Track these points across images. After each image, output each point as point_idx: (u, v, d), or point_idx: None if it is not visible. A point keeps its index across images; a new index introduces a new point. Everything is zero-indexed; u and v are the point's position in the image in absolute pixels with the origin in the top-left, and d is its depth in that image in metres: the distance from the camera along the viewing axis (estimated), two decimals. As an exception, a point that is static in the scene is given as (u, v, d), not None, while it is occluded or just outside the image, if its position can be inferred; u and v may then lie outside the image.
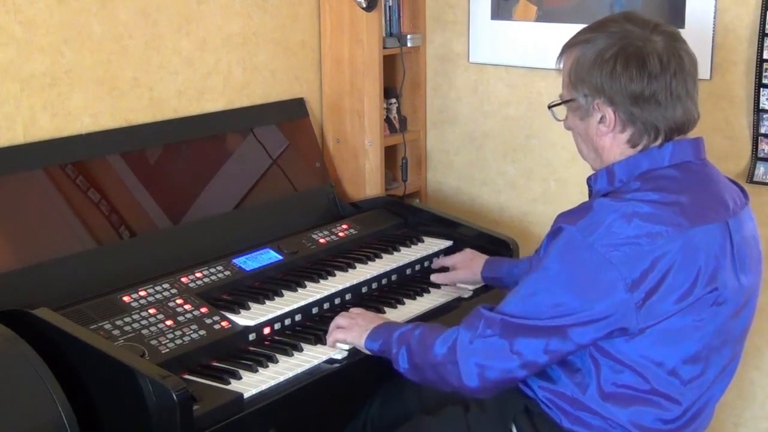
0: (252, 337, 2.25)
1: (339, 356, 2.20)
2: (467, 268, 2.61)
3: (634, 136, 1.91)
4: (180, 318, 2.20)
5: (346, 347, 2.21)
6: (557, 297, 1.83)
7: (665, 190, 1.85)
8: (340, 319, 2.23)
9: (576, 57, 1.93)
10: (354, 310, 2.29)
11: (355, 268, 2.61)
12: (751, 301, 1.97)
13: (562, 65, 1.99)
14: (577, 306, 1.81)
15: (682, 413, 1.89)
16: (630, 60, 1.86)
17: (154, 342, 2.09)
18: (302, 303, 2.37)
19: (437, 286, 2.64)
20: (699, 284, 1.81)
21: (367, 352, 2.15)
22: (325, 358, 2.19)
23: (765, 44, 2.68)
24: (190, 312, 2.23)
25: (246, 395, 2.01)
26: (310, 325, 2.36)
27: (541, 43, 3.05)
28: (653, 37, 1.88)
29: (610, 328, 1.81)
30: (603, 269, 1.78)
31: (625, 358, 1.85)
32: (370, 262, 2.66)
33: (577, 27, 2.02)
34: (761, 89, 2.70)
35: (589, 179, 2.03)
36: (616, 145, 1.93)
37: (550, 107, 2.05)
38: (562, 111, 2.02)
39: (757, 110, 2.72)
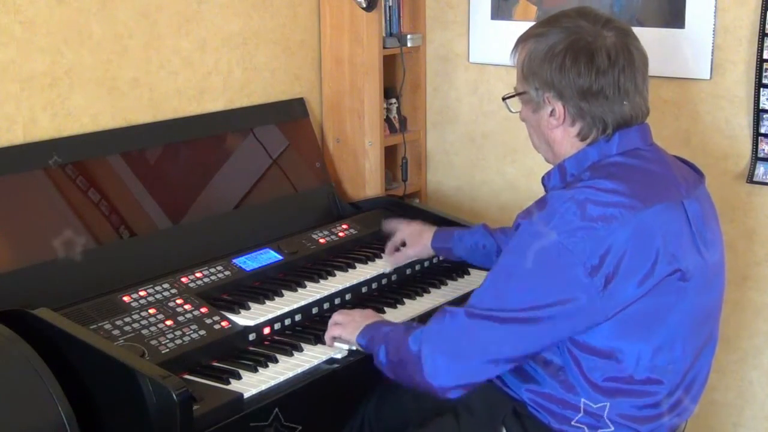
0: (252, 337, 2.25)
1: (339, 356, 2.19)
2: (417, 243, 2.61)
3: (584, 129, 1.94)
4: (180, 318, 2.20)
5: (345, 347, 2.20)
6: (521, 289, 1.83)
7: (615, 176, 1.87)
8: (337, 316, 2.23)
9: (528, 51, 1.95)
10: (355, 310, 2.28)
11: (355, 268, 2.61)
12: (719, 278, 1.99)
13: (516, 58, 2.01)
14: (540, 295, 1.81)
15: (667, 395, 1.90)
16: (579, 55, 1.89)
17: (154, 342, 2.10)
18: (302, 303, 2.37)
19: (437, 286, 2.64)
20: (660, 264, 1.81)
21: (360, 348, 2.14)
22: (324, 358, 2.19)
23: (765, 44, 2.68)
24: (190, 312, 2.23)
25: (246, 395, 2.01)
26: (310, 325, 2.36)
27: (541, 43, 3.05)
28: (604, 32, 1.90)
29: (577, 315, 1.80)
30: (562, 256, 1.79)
31: (602, 348, 1.85)
32: (370, 262, 2.66)
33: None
34: (761, 89, 2.70)
35: (543, 179, 2.04)
36: (566, 138, 1.96)
37: (504, 99, 2.08)
38: (516, 103, 2.05)
39: (757, 110, 2.72)
